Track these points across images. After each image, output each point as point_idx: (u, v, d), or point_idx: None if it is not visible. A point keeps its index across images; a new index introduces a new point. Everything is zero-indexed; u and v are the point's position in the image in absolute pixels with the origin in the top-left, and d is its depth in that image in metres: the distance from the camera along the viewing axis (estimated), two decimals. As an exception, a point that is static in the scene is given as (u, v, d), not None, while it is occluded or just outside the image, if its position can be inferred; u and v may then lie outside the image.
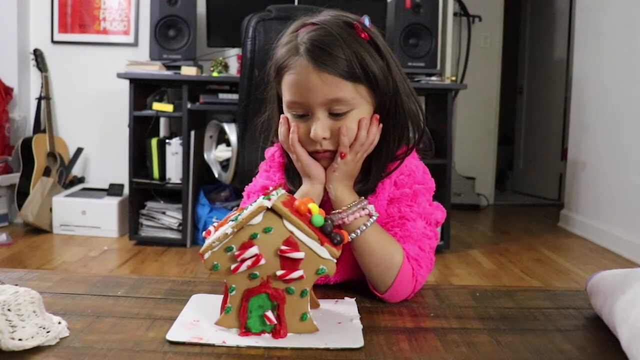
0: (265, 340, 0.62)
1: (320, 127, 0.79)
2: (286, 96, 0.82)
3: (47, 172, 3.34)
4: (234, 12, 3.02)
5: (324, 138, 0.80)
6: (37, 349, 0.58)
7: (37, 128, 3.46)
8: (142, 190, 3.18)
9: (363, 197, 0.82)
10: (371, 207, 0.80)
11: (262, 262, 0.63)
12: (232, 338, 0.63)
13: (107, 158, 3.61)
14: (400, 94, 0.83)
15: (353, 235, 0.78)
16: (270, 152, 0.94)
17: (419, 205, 0.83)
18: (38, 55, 3.47)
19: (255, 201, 0.67)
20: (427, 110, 3.34)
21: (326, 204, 0.83)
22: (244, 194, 0.93)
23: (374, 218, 0.80)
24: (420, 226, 0.82)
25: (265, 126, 0.92)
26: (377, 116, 0.82)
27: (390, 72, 0.81)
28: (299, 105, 0.80)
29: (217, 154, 3.00)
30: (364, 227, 0.78)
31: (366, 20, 0.84)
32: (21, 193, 3.28)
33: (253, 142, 1.72)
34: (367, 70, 0.78)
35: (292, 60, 0.80)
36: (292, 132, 0.81)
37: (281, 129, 0.84)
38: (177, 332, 0.63)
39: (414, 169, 0.85)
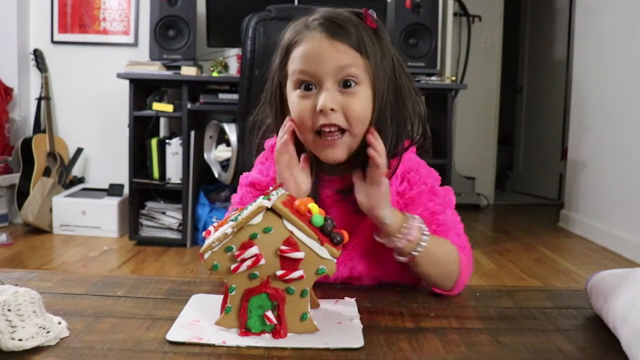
0: (265, 340, 0.62)
1: (330, 98, 0.77)
2: (295, 66, 0.80)
3: (47, 172, 3.34)
4: (234, 12, 3.02)
5: (332, 110, 0.77)
6: (37, 349, 0.58)
7: (37, 128, 3.46)
8: (142, 191, 3.18)
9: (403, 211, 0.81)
10: (418, 217, 0.80)
11: (262, 262, 0.63)
12: (232, 338, 0.63)
13: (107, 158, 3.61)
14: (401, 88, 0.83)
15: (419, 249, 0.77)
16: (271, 142, 0.92)
17: (439, 196, 0.85)
18: (38, 56, 3.47)
19: (254, 201, 0.67)
20: (427, 110, 3.33)
21: (324, 202, 0.83)
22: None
23: (424, 226, 0.79)
24: (450, 214, 0.85)
25: (264, 120, 0.90)
26: (373, 129, 0.80)
27: (386, 62, 0.82)
28: (308, 76, 0.79)
29: (217, 154, 3.00)
30: (426, 238, 0.78)
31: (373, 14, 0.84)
32: (21, 193, 3.28)
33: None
34: (369, 54, 0.79)
35: (303, 34, 0.80)
36: (288, 122, 0.81)
37: (281, 132, 0.82)
38: (177, 332, 0.63)
39: (418, 164, 0.87)
